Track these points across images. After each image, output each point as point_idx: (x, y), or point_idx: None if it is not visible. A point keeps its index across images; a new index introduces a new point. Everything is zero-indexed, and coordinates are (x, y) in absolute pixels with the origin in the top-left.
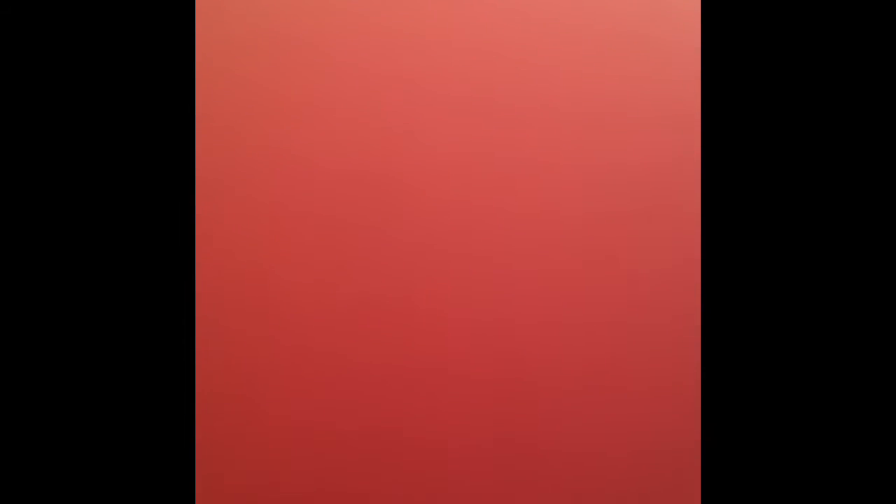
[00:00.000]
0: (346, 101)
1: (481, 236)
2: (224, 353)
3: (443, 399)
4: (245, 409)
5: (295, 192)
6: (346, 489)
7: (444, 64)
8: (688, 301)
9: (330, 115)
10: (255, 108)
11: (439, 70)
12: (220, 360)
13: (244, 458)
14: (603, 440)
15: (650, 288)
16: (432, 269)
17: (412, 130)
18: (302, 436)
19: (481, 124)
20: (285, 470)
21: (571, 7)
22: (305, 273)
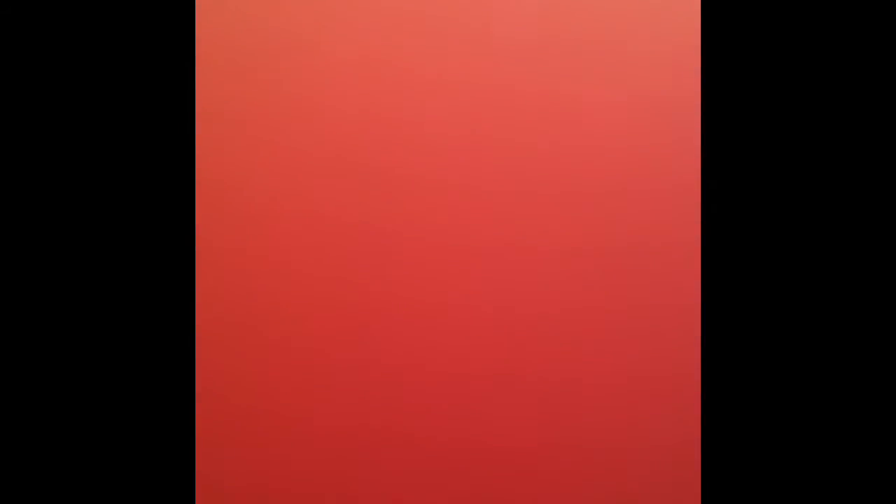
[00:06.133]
0: (348, 101)
1: (482, 236)
2: (224, 353)
3: (443, 398)
4: (245, 410)
5: (295, 191)
6: (347, 490)
7: (445, 62)
8: (688, 301)
9: (331, 115)
10: (255, 107)
11: (440, 68)
12: (220, 361)
13: (244, 458)
14: (603, 440)
15: (650, 288)
16: (432, 269)
17: (413, 129)
18: (302, 435)
19: (481, 122)
20: (285, 470)
21: (571, 8)
22: (306, 272)
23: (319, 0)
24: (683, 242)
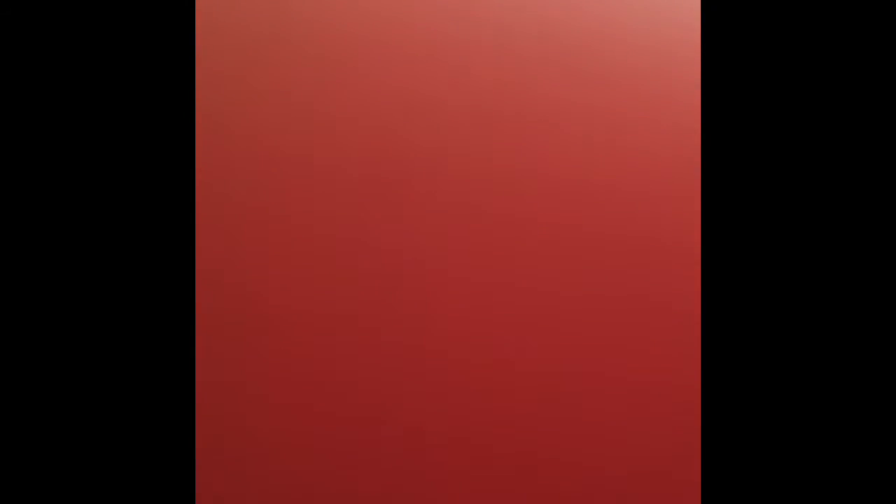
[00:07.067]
0: (348, 103)
1: (481, 237)
2: (224, 353)
3: (443, 400)
4: (245, 409)
5: (295, 193)
6: (346, 490)
7: (445, 66)
8: (688, 301)
9: (330, 116)
10: (255, 108)
11: (440, 73)
12: (220, 361)
13: (244, 458)
14: (603, 440)
15: (650, 288)
16: (432, 271)
17: (413, 129)
18: (302, 436)
19: (480, 125)
20: (285, 471)
21: (571, 10)
22: (306, 273)
23: (319, 1)
24: (684, 242)
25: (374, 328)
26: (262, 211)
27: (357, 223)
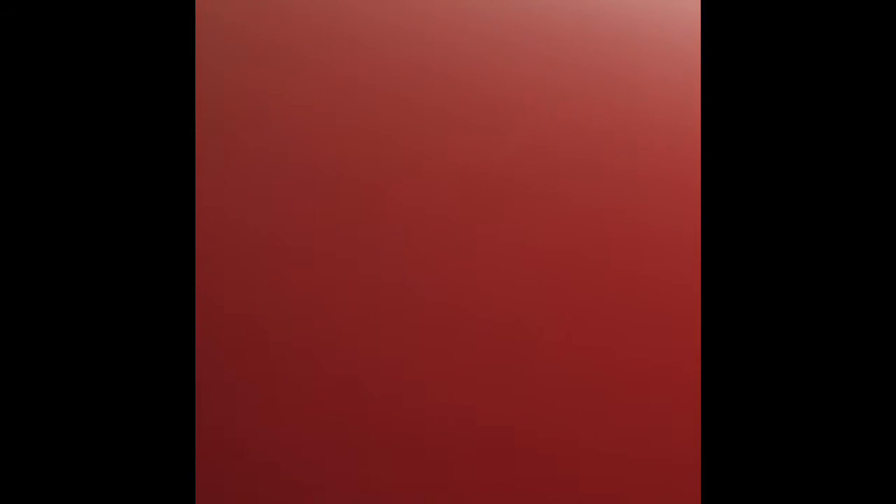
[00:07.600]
0: (348, 103)
1: (481, 235)
2: (224, 353)
3: (442, 398)
4: (245, 409)
5: (295, 193)
6: (347, 490)
7: (444, 65)
8: (688, 301)
9: (331, 117)
10: (255, 108)
11: (439, 70)
12: (220, 361)
13: (244, 458)
14: (603, 440)
15: (650, 287)
16: (431, 269)
17: (413, 128)
18: (302, 436)
19: (481, 123)
20: (285, 471)
21: (571, 8)
22: (305, 273)
23: (319, 1)
24: (684, 241)
25: (375, 328)
26: (262, 211)
27: (357, 223)
